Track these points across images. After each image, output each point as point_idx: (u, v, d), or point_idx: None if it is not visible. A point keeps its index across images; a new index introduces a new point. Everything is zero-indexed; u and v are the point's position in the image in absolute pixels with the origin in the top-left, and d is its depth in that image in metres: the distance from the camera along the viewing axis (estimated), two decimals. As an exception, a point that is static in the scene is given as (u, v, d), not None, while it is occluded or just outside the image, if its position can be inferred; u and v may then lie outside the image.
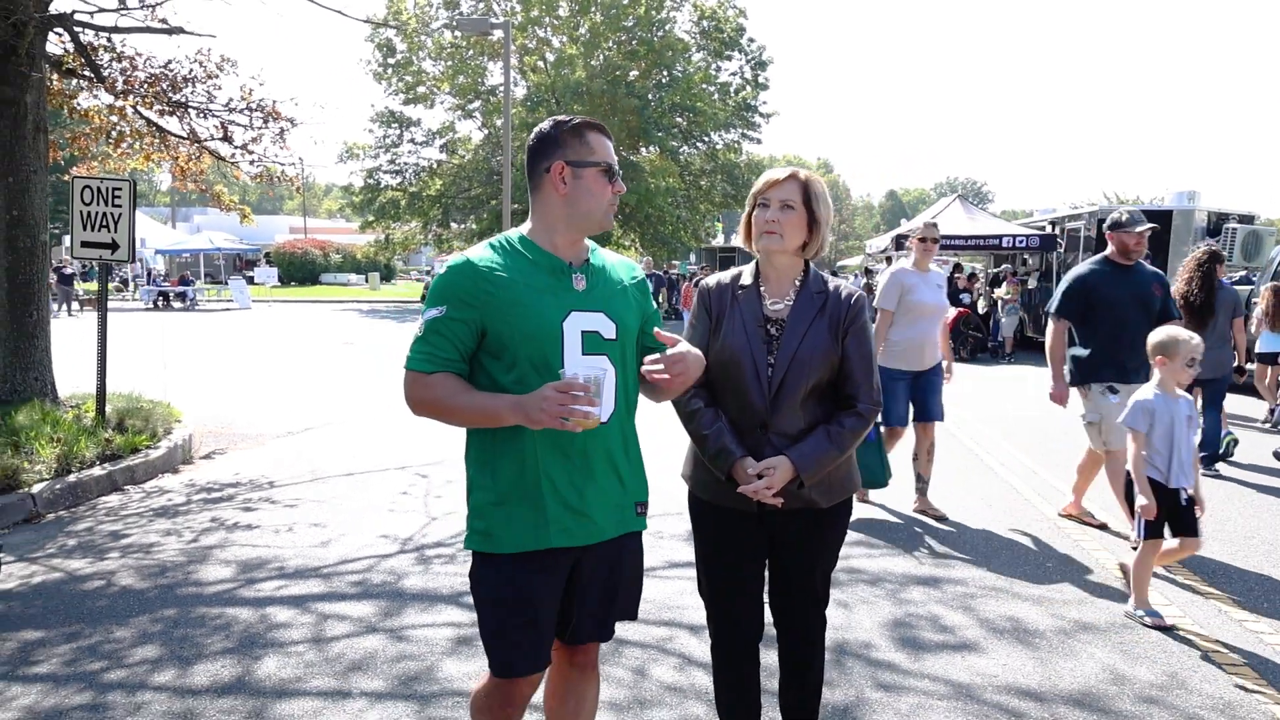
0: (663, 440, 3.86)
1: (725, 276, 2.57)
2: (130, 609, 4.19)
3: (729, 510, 2.47)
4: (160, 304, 31.38)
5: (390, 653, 3.69)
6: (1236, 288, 12.62)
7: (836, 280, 2.49)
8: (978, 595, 4.38)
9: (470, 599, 2.31)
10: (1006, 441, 8.47)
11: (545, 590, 2.11)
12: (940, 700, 3.30)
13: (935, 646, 3.78)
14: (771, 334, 2.43)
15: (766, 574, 2.60)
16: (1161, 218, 16.52)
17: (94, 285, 37.30)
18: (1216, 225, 16.70)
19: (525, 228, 2.19)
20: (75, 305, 28.57)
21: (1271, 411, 9.77)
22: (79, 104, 8.31)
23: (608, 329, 2.14)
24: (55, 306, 27.68)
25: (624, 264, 2.32)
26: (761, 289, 2.49)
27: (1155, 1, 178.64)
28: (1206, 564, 4.95)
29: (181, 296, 32.44)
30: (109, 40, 8.08)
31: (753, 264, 2.54)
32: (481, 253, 2.11)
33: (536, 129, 2.19)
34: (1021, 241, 18.90)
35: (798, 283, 2.47)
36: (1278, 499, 6.46)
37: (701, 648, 3.74)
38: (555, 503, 2.08)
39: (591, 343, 2.10)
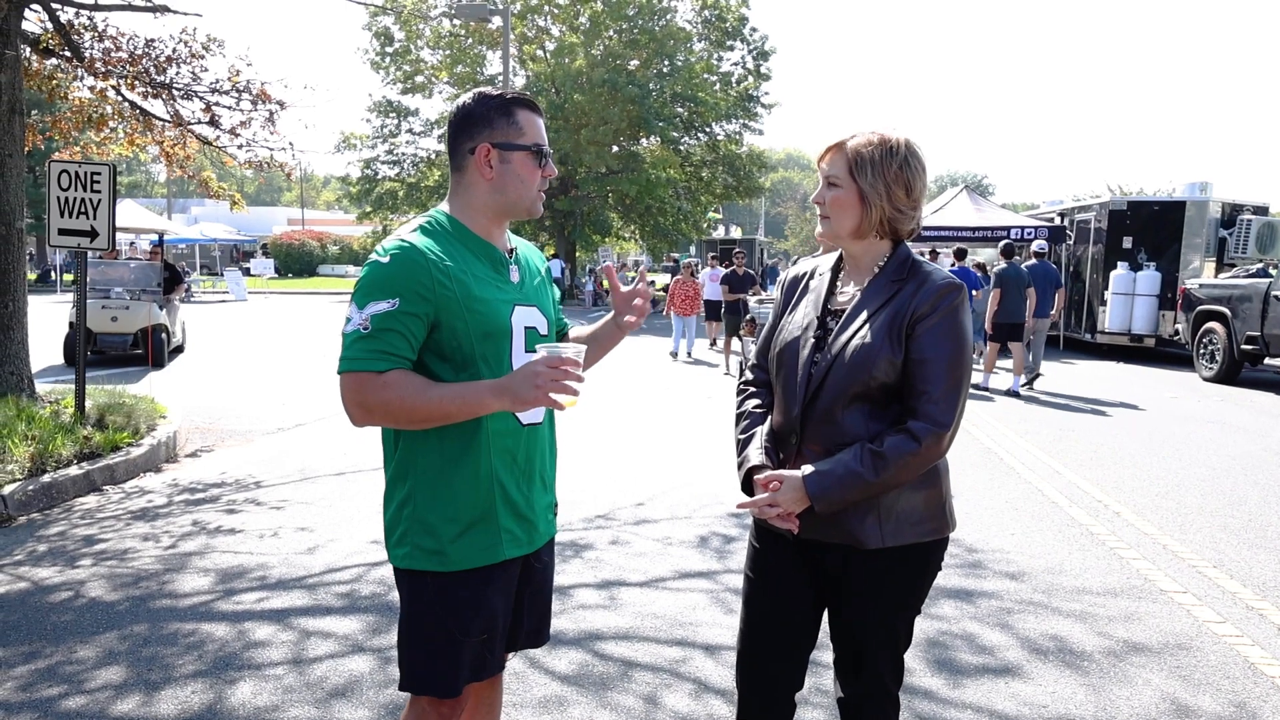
0: (670, 440, 3.51)
1: (807, 265, 2.22)
2: (97, 624, 3.86)
3: (779, 538, 2.09)
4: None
5: (378, 677, 3.36)
6: (1254, 280, 12.35)
7: (931, 266, 2.03)
8: (1014, 610, 4.06)
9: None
10: (1024, 440, 8.14)
11: (502, 602, 2.00)
12: (987, 735, 2.98)
13: (975, 670, 3.45)
14: (828, 328, 2.05)
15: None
16: (1175, 209, 16.22)
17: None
18: (1231, 216, 16.37)
19: (448, 207, 1.99)
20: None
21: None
22: (58, 85, 7.95)
23: (542, 324, 2.04)
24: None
25: (534, 250, 2.20)
26: (840, 276, 2.11)
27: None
28: (1254, 574, 4.63)
29: (176, 288, 32.04)
30: (89, 19, 7.73)
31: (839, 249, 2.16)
32: (423, 239, 1.88)
33: (460, 102, 1.97)
34: (1030, 233, 18.54)
35: (877, 268, 2.04)
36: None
37: (719, 671, 3.43)
38: (507, 512, 1.97)
39: (531, 339, 1.99)
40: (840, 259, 2.13)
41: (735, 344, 13.86)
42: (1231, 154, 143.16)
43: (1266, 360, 12.17)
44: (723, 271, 16.82)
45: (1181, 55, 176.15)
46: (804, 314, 2.09)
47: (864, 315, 1.98)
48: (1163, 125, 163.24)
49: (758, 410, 2.14)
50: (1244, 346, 12.22)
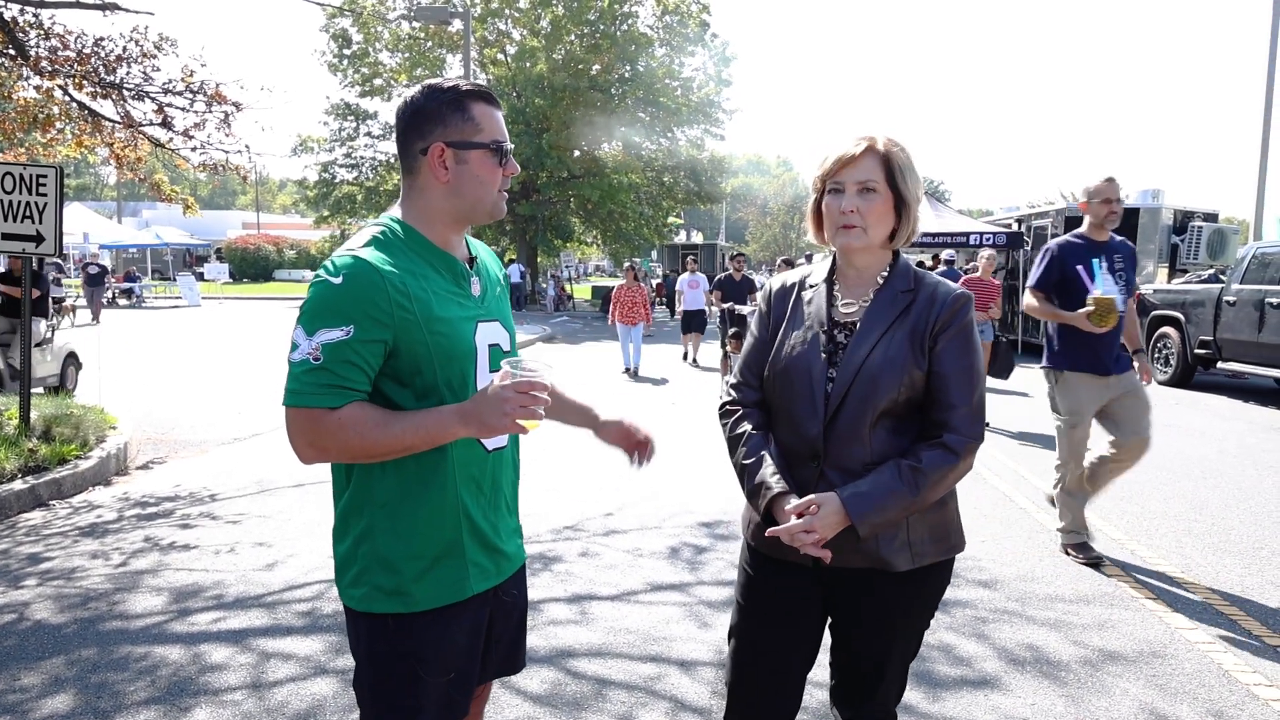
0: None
1: (794, 276, 2.12)
2: (43, 649, 3.68)
3: (783, 565, 1.99)
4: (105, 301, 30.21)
5: (341, 700, 3.23)
6: (1207, 285, 12.60)
7: (935, 276, 1.99)
8: (990, 620, 4.03)
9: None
10: (988, 445, 8.18)
11: (472, 640, 1.86)
12: (969, 750, 2.94)
13: (954, 683, 3.41)
14: (838, 341, 1.95)
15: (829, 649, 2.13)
16: (1129, 216, 16.51)
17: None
18: (1182, 223, 16.71)
19: (401, 213, 1.81)
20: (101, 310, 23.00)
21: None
22: (2, 85, 7.66)
23: (504, 339, 1.90)
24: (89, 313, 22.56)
25: (493, 256, 2.03)
26: (835, 288, 2.02)
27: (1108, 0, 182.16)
28: (1221, 579, 4.66)
29: (127, 293, 31.38)
30: (35, 15, 7.46)
31: (828, 259, 2.08)
32: (376, 254, 1.70)
33: (408, 97, 1.79)
34: (989, 239, 18.76)
35: (880, 279, 1.96)
36: (1273, 503, 6.22)
37: (695, 688, 3.35)
38: (474, 544, 1.83)
39: (495, 357, 1.85)
40: (833, 269, 2.05)
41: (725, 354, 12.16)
42: (1181, 162, 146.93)
43: (1219, 364, 12.39)
44: (703, 277, 16.16)
45: (1132, 64, 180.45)
46: (807, 328, 1.99)
47: (880, 328, 1.91)
48: (1114, 133, 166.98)
49: (757, 433, 2.02)
50: (1197, 351, 12.43)
